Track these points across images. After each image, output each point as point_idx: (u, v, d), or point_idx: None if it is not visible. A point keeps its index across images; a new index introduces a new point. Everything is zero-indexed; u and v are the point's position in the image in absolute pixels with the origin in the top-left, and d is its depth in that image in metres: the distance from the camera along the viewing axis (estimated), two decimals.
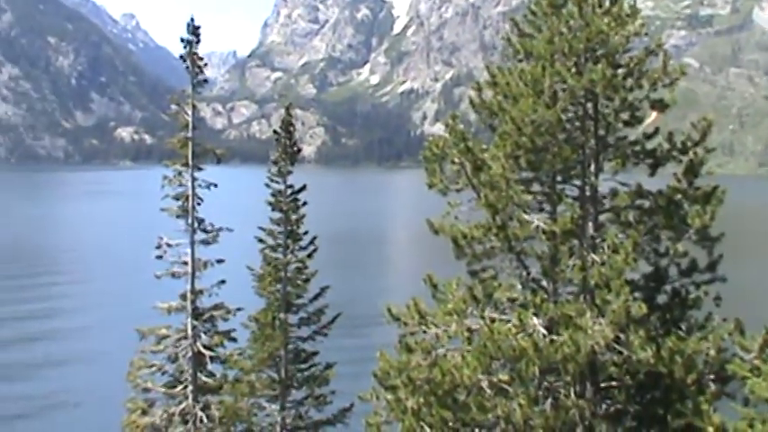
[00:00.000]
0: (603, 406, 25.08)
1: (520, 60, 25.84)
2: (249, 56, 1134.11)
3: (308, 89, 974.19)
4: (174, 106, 39.98)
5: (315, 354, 40.82)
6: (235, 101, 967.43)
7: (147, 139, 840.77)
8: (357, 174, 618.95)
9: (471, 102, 26.05)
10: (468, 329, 24.67)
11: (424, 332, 25.40)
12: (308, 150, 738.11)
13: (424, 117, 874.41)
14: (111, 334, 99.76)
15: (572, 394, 24.32)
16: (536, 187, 25.55)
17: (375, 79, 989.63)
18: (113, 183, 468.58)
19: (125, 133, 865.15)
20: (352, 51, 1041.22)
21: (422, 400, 24.27)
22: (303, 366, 40.61)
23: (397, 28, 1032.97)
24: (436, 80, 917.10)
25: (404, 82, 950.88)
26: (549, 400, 24.18)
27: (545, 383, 24.45)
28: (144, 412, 39.32)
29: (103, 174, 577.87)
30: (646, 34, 25.20)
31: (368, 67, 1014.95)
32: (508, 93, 24.84)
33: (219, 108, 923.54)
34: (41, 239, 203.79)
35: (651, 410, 24.63)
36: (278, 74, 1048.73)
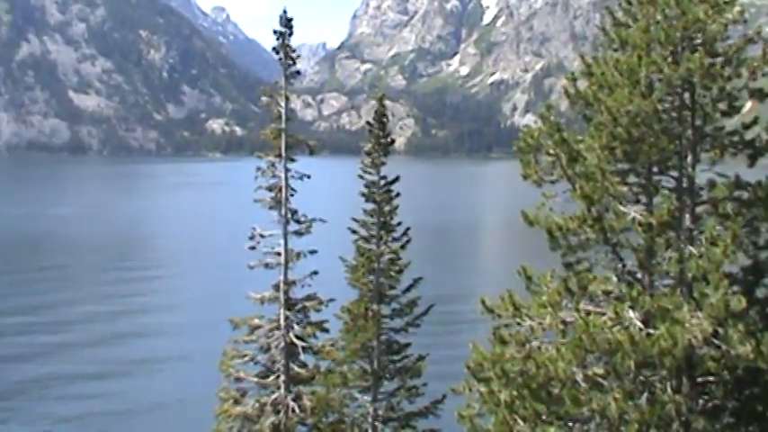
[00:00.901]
0: (700, 401, 24.67)
1: (615, 50, 25.48)
2: (339, 48, 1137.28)
3: (397, 80, 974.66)
4: (266, 98, 40.20)
5: (407, 345, 40.67)
6: (324, 92, 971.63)
7: (238, 130, 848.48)
8: (447, 165, 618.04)
9: (566, 92, 25.77)
10: (563, 322, 24.43)
11: (519, 324, 25.20)
12: (397, 142, 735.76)
13: (514, 108, 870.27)
14: (204, 324, 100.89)
15: (668, 389, 23.96)
16: (632, 178, 25.18)
17: (465, 70, 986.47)
18: (205, 174, 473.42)
19: (216, 125, 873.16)
20: (441, 42, 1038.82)
21: (515, 392, 24.10)
22: (395, 358, 40.50)
23: (487, 18, 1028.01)
24: (526, 71, 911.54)
25: (493, 73, 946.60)
26: (645, 395, 23.83)
27: (641, 377, 24.12)
28: (236, 402, 39.63)
29: (195, 165, 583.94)
30: (745, 21, 24.70)
31: (457, 58, 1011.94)
32: (603, 83, 24.51)
33: (309, 100, 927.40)
34: (135, 231, 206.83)
35: (750, 407, 24.21)
36: (367, 65, 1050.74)
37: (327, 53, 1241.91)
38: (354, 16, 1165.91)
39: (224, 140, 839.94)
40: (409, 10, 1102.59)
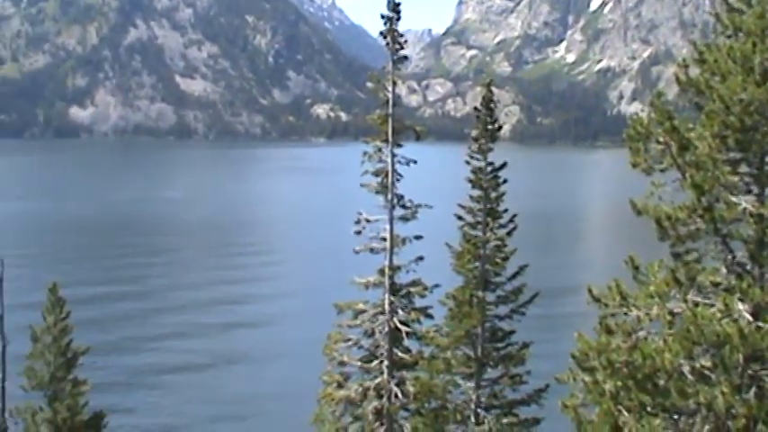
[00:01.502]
0: None
1: (728, 36, 25.04)
2: (444, 33, 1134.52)
3: (503, 67, 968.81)
4: (372, 83, 40.34)
5: (511, 333, 40.42)
6: (430, 78, 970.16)
7: (343, 116, 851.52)
8: (552, 153, 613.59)
9: (677, 79, 25.40)
10: (671, 313, 24.14)
11: (625, 314, 24.94)
12: (503, 129, 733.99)
13: (621, 96, 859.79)
14: (309, 308, 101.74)
15: None
16: (744, 168, 24.72)
17: (571, 57, 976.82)
18: (310, 159, 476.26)
19: (321, 110, 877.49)
20: (548, 29, 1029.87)
21: (620, 383, 23.87)
22: (499, 345, 40.27)
23: (594, 5, 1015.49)
24: (633, 58, 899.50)
25: (600, 60, 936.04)
26: (754, 389, 23.47)
27: (749, 371, 23.72)
28: (339, 385, 39.87)
29: (300, 150, 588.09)
30: None
31: (564, 44, 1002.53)
32: (716, 70, 24.11)
33: (415, 86, 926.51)
34: (240, 215, 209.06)
35: None
36: (473, 52, 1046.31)
37: (433, 39, 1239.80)
38: (460, 2, 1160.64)
39: (329, 126, 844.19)
40: None
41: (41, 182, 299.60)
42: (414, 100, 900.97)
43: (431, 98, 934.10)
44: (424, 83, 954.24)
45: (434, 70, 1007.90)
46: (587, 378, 25.45)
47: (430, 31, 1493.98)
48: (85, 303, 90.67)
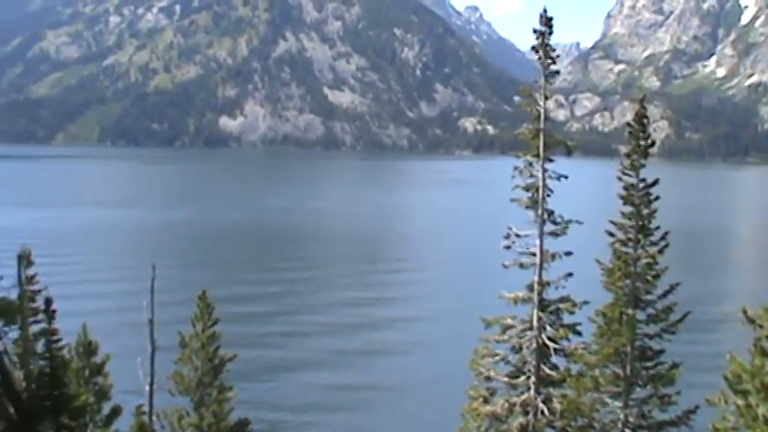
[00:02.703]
0: None
1: None
2: (592, 47, 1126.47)
3: (651, 82, 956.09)
4: (522, 98, 40.17)
5: (661, 352, 39.62)
6: (577, 93, 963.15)
7: (490, 129, 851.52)
8: (702, 169, 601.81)
9: None
10: None
11: None
12: None
13: None
14: (456, 321, 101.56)
15: None
16: None
17: (721, 72, 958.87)
18: (457, 172, 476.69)
19: (468, 124, 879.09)
20: (697, 43, 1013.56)
21: None
22: (649, 364, 39.53)
23: (745, 19, 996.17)
24: None
25: (751, 75, 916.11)
26: None
27: None
28: (485, 400, 39.63)
29: (446, 163, 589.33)
30: None
31: (714, 59, 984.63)
32: None
33: (562, 100, 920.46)
34: (389, 226, 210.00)
35: None
36: (621, 66, 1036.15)
37: (581, 53, 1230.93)
38: (608, 16, 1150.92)
39: (476, 139, 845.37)
40: (665, 10, 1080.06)
41: (192, 190, 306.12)
42: (561, 114, 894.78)
43: (578, 113, 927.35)
44: (571, 97, 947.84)
45: (582, 84, 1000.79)
46: (740, 401, 24.92)
47: (578, 44, 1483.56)
48: (233, 311, 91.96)
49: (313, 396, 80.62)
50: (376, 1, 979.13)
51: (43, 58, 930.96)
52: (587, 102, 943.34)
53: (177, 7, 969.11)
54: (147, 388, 29.91)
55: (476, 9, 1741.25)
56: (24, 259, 28.14)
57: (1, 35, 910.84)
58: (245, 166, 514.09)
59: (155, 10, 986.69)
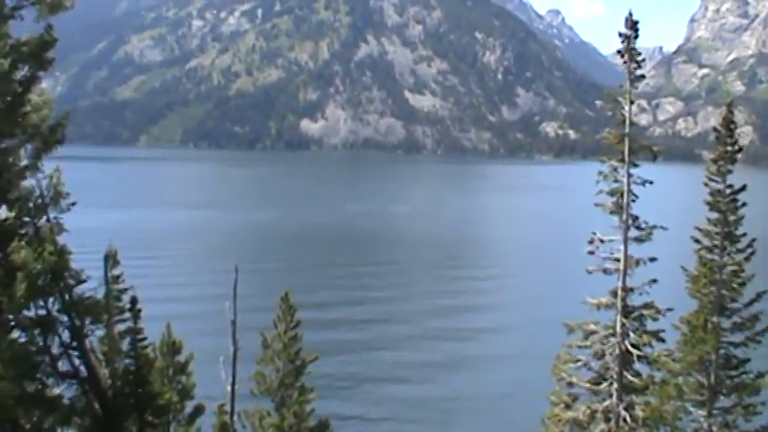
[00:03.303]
0: None
1: None
2: (675, 52, 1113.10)
3: (735, 86, 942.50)
4: (606, 102, 39.88)
5: (746, 361, 39.02)
6: (660, 98, 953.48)
7: (571, 134, 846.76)
8: None
9: None
10: None
11: None
12: None
13: None
14: (538, 326, 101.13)
15: None
16: None
17: None
18: (538, 176, 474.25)
19: (549, 128, 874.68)
20: None
21: None
22: (733, 373, 38.98)
23: None
24: None
25: None
26: None
27: None
28: (567, 406, 39.39)
29: (528, 167, 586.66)
30: None
31: None
32: None
33: (644, 104, 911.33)
34: (470, 231, 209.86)
35: None
36: (705, 70, 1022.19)
37: (664, 57, 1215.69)
38: (692, 20, 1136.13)
39: (557, 144, 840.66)
40: (750, 13, 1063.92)
41: (273, 193, 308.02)
42: (643, 119, 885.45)
43: (661, 117, 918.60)
44: (654, 102, 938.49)
45: (665, 89, 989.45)
46: None
47: (661, 48, 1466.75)
48: (315, 313, 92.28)
49: (393, 399, 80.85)
50: (457, 5, 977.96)
51: (127, 62, 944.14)
52: (670, 106, 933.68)
53: (259, 11, 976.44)
54: (229, 388, 30.09)
55: (558, 12, 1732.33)
56: (111, 259, 28.45)
57: (87, 39, 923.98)
58: (326, 170, 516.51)
59: (237, 14, 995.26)
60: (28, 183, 25.92)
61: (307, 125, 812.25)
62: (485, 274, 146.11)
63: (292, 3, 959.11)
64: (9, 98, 25.10)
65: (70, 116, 27.11)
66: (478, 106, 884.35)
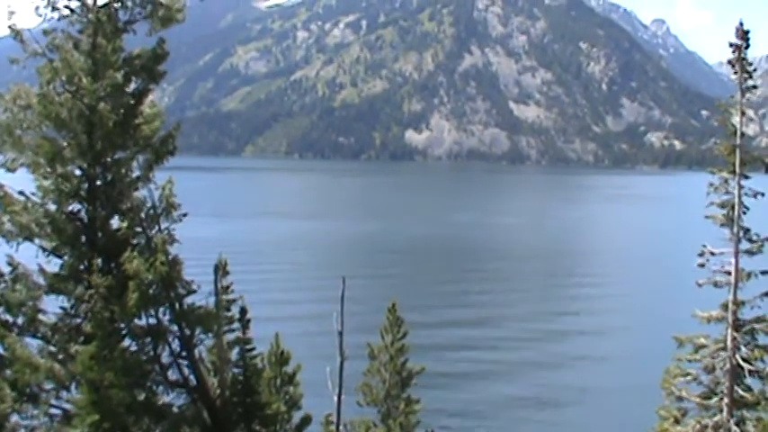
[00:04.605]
0: None
1: None
2: None
3: None
4: (717, 113, 39.32)
5: None
6: (767, 107, 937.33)
7: (677, 144, 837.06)
8: None
9: None
10: None
11: None
12: None
13: None
14: (648, 339, 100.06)
15: None
16: None
17: None
18: (645, 187, 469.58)
19: (654, 138, 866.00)
20: None
21: None
22: None
23: None
24: None
25: None
26: None
27: None
28: (676, 421, 38.80)
29: (633, 178, 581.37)
30: None
31: None
32: None
33: (752, 114, 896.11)
34: (576, 242, 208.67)
35: None
36: None
37: None
38: None
39: (662, 154, 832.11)
40: None
41: (379, 203, 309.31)
42: (750, 129, 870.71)
43: None
44: (761, 111, 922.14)
45: None
46: None
47: None
48: (421, 323, 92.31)
49: (499, 412, 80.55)
50: (561, 15, 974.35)
51: (233, 73, 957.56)
52: None
53: (364, 22, 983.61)
54: (336, 398, 30.26)
55: (663, 22, 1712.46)
56: (221, 269, 28.77)
57: (194, 51, 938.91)
58: (431, 180, 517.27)
59: (341, 25, 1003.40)
60: (140, 193, 26.39)
61: (411, 136, 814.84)
62: (592, 285, 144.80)
63: (396, 14, 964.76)
64: (122, 110, 25.57)
65: (180, 127, 27.59)
66: (583, 117, 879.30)
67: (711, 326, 38.44)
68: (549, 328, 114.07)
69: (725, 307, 37.89)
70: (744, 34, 38.67)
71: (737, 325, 37.83)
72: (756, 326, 37.86)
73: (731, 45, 38.78)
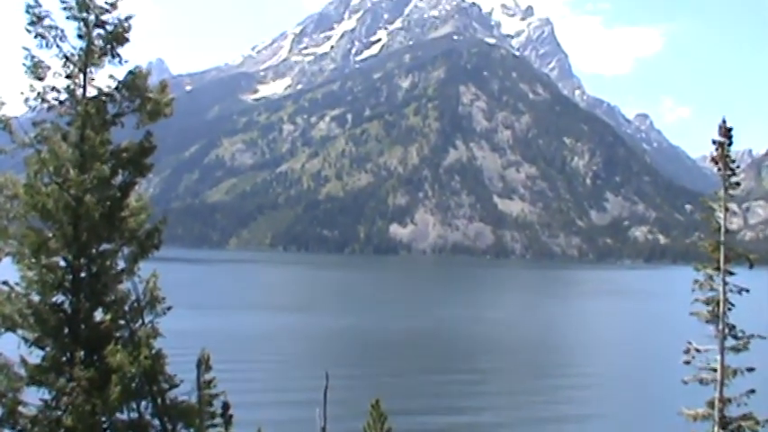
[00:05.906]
0: None
1: None
2: (766, 154, 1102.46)
3: None
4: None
5: None
6: (750, 200, 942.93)
7: (661, 238, 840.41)
8: None
9: None
10: None
11: None
12: None
13: None
14: None
15: None
16: None
17: None
18: (629, 282, 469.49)
19: (638, 233, 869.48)
20: None
21: None
22: None
23: None
24: None
25: None
26: None
27: None
28: None
29: (618, 273, 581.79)
30: None
31: None
32: None
33: (734, 208, 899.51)
34: (561, 337, 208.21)
35: None
36: None
37: (753, 160, 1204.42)
38: None
39: (646, 248, 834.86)
40: None
41: (363, 297, 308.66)
42: (734, 223, 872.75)
43: (752, 221, 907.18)
44: (744, 205, 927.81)
45: (755, 192, 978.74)
46: None
47: (750, 151, 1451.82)
48: (406, 420, 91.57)
49: None
50: (545, 110, 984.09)
51: (219, 165, 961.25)
52: (761, 210, 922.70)
53: (349, 116, 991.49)
54: None
55: (646, 117, 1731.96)
56: (203, 364, 28.68)
57: (180, 142, 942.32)
58: (415, 274, 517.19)
59: (327, 119, 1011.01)
60: (124, 286, 26.34)
61: (395, 230, 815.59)
62: (577, 381, 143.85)
63: (382, 108, 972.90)
64: (108, 203, 25.61)
65: (166, 220, 27.64)
66: (567, 211, 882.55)
67: (698, 424, 38.33)
68: (537, 421, 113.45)
69: (711, 404, 37.82)
70: (726, 132, 39.19)
71: (724, 422, 37.72)
72: (743, 423, 37.75)
73: (714, 142, 39.29)
